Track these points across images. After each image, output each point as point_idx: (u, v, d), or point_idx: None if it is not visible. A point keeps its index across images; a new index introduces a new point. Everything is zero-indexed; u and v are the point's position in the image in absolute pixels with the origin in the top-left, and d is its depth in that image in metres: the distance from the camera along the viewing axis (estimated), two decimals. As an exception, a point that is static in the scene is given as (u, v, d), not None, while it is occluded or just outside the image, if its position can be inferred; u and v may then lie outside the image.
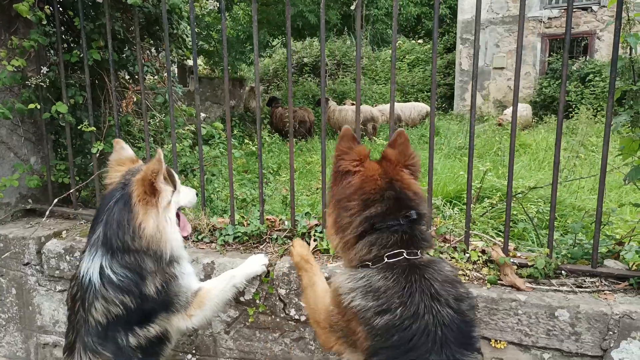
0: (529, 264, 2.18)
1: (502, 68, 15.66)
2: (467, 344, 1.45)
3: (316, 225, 2.61)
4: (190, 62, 13.10)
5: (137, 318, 1.78)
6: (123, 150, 2.01)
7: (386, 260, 1.53)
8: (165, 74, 3.50)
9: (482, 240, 2.43)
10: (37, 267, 2.86)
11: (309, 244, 2.53)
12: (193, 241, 2.72)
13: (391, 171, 1.63)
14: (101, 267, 1.76)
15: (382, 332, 1.43)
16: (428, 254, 1.66)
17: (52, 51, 3.24)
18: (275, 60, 19.25)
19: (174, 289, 1.84)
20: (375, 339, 1.44)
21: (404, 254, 1.53)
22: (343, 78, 17.16)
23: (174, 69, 11.93)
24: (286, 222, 2.72)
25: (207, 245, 2.68)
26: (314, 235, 2.54)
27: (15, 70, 2.95)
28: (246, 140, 3.77)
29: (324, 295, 1.77)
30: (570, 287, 2.08)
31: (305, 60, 18.45)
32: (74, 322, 1.82)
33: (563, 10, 15.04)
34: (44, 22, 2.87)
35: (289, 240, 2.60)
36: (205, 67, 14.17)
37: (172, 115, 2.84)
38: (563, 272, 2.17)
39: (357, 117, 2.51)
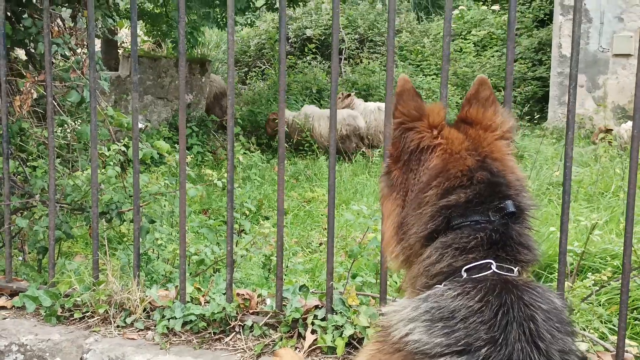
0: (658, 382, 2.23)
1: (627, 55, 15.84)
2: None
3: (316, 307, 2.67)
4: (120, 34, 13.39)
5: None
6: None
7: (465, 275, 1.56)
8: (82, 56, 3.63)
9: (583, 341, 2.48)
10: None
11: (303, 337, 2.58)
12: (118, 326, 2.78)
13: (483, 143, 1.70)
14: None
15: None
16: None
17: None
18: (260, 32, 19.57)
19: None
20: None
21: (493, 266, 1.57)
22: (369, 63, 17.42)
23: (97, 45, 12.21)
24: (268, 301, 2.78)
25: (140, 333, 2.74)
26: (313, 323, 2.59)
27: None
28: (207, 171, 3.81)
29: None
30: None
31: (309, 33, 18.78)
32: None
33: None
34: None
35: (272, 331, 2.65)
36: (145, 39, 14.43)
37: (94, 122, 2.94)
38: None
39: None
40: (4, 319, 2.90)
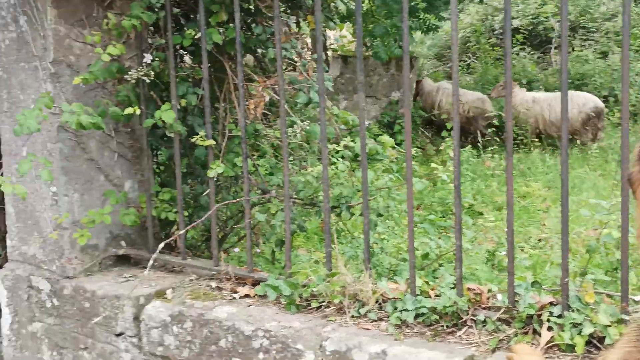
0: None
1: None
2: None
3: (551, 303, 2.65)
4: (328, 36, 13.81)
5: None
6: None
7: None
8: (307, 59, 3.85)
9: None
10: (134, 339, 3.34)
11: (538, 334, 2.58)
12: (352, 316, 2.94)
13: None
14: None
15: None
16: None
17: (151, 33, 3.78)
18: (464, 25, 19.31)
19: None
20: None
21: None
22: (581, 50, 16.60)
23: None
24: (499, 296, 2.80)
25: (373, 324, 2.88)
26: (548, 320, 2.58)
27: (112, 59, 3.50)
28: (433, 165, 3.92)
29: None
30: None
31: (516, 23, 18.23)
32: None
33: None
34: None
35: (505, 326, 2.68)
36: (352, 40, 14.71)
37: (323, 121, 3.12)
38: None
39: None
40: (249, 306, 3.17)
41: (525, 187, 7.96)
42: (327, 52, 13.32)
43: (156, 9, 3.53)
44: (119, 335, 3.40)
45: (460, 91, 13.14)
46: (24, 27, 3.60)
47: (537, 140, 11.41)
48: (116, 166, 3.74)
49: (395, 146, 3.91)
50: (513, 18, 18.33)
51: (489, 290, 2.87)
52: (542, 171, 9.30)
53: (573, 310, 2.57)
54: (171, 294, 3.37)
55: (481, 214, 6.79)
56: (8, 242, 3.99)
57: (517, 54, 17.13)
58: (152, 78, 3.54)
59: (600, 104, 12.32)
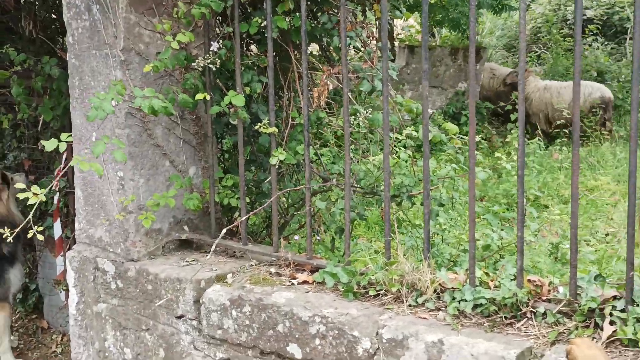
0: None
1: None
2: None
3: (614, 297, 2.61)
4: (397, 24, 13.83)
5: None
6: None
7: None
8: (372, 48, 3.88)
9: None
10: (194, 322, 3.43)
11: (601, 328, 2.54)
12: (410, 305, 2.95)
13: None
14: None
15: None
16: None
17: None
18: (536, 15, 19.02)
19: None
20: None
21: None
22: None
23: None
24: (560, 289, 2.77)
25: (431, 313, 2.89)
26: (611, 314, 2.54)
27: (180, 47, 3.61)
28: (497, 154, 3.89)
29: None
30: None
31: (590, 14, 17.84)
32: None
33: None
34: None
35: (566, 319, 2.65)
36: (419, 30, 14.66)
37: (386, 109, 3.15)
38: None
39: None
40: (307, 292, 3.22)
41: (593, 180, 7.84)
42: (394, 42, 13.31)
43: (225, -3, 3.61)
44: (179, 317, 3.50)
45: (494, 66, 13.29)
46: (96, 15, 3.74)
47: (607, 133, 11.22)
48: (181, 152, 3.85)
49: (462, 137, 3.90)
50: (586, 8, 17.86)
51: (550, 283, 2.84)
52: (612, 164, 9.09)
53: (638, 305, 2.52)
54: (231, 278, 3.45)
55: (547, 207, 6.72)
56: (76, 225, 4.16)
57: (590, 45, 16.71)
58: (218, 66, 3.63)
59: (608, 93, 12.37)
